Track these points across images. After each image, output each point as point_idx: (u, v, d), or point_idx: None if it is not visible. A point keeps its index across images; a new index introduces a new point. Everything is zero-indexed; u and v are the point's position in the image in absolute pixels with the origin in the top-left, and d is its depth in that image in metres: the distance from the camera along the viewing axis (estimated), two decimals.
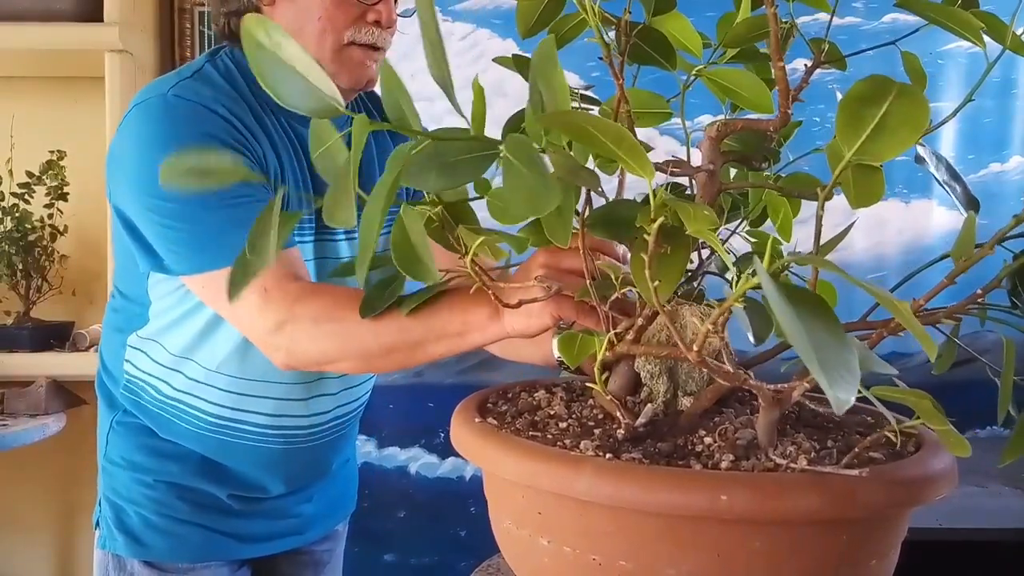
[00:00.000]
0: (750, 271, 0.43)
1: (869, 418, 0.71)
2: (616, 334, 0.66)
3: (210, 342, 1.06)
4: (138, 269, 1.06)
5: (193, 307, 1.05)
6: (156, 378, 1.10)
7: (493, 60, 0.81)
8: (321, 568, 1.30)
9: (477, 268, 0.70)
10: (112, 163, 1.03)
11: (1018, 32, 0.66)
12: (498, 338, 0.83)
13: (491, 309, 0.81)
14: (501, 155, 0.52)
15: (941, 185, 0.69)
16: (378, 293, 0.79)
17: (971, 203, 0.68)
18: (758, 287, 0.42)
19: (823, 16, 0.73)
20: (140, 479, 1.11)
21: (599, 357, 0.65)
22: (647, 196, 0.63)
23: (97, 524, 1.16)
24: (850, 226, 0.74)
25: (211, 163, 0.54)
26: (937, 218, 2.11)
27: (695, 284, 0.80)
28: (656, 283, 0.55)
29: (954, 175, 0.69)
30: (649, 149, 0.68)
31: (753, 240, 0.87)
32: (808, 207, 0.81)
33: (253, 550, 1.18)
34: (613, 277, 0.67)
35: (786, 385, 0.55)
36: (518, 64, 0.76)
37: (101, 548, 1.13)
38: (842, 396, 0.36)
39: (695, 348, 0.54)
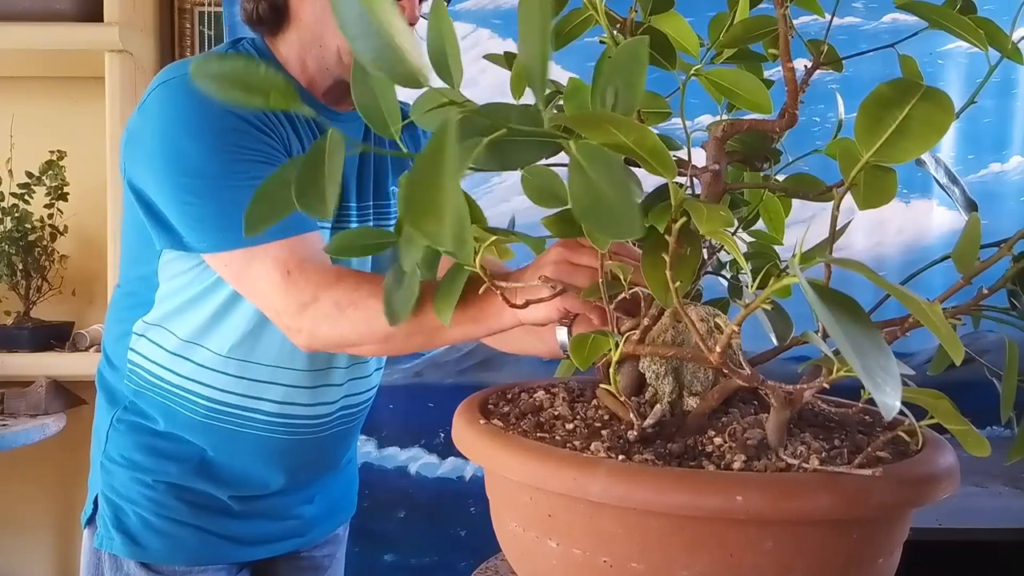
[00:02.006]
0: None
1: (867, 417, 0.71)
2: (625, 334, 0.67)
3: (221, 327, 1.06)
4: (148, 250, 1.05)
5: (204, 290, 1.04)
6: (162, 366, 1.09)
7: (484, 57, 0.80)
8: (321, 573, 1.29)
9: (484, 269, 0.70)
10: (132, 141, 1.02)
11: (1018, 32, 0.66)
12: (512, 325, 0.84)
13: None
14: (570, 154, 0.49)
15: (941, 187, 0.69)
16: (396, 286, 0.79)
17: (969, 205, 0.68)
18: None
19: (823, 16, 0.74)
20: (139, 479, 1.10)
21: (613, 358, 0.65)
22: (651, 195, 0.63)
23: (88, 522, 1.15)
24: (847, 224, 0.74)
25: (257, 75, 0.47)
26: (937, 218, 2.12)
27: (693, 284, 0.81)
28: (677, 284, 0.56)
29: (952, 178, 0.70)
30: (676, 147, 0.68)
31: (751, 240, 0.87)
32: (802, 208, 0.81)
33: (252, 553, 1.17)
34: (622, 277, 0.67)
35: (799, 386, 0.56)
36: (510, 62, 0.75)
37: (97, 547, 1.11)
38: (889, 401, 0.36)
39: (718, 349, 0.54)
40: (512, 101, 0.58)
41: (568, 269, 0.78)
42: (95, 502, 1.14)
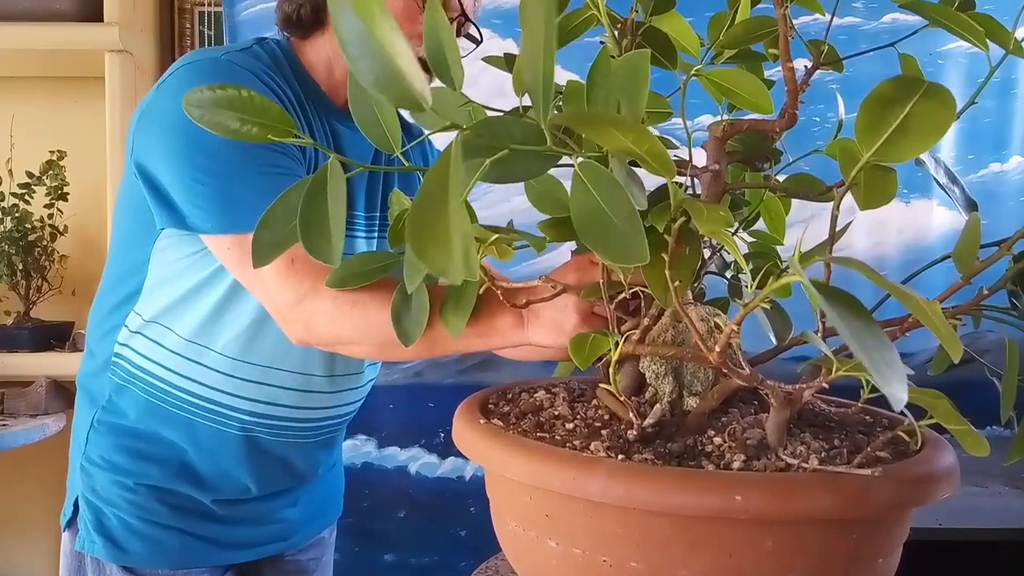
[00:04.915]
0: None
1: (867, 416, 0.71)
2: (625, 334, 0.67)
3: (218, 325, 1.05)
4: (144, 234, 1.03)
5: (200, 284, 1.03)
6: (152, 360, 1.08)
7: (483, 59, 0.80)
8: None
9: (484, 269, 0.70)
10: (145, 115, 1.00)
11: (1019, 33, 0.66)
12: (519, 344, 0.85)
13: (515, 318, 0.83)
14: (574, 170, 0.50)
15: (941, 187, 0.69)
16: (403, 305, 0.78)
17: (970, 205, 0.68)
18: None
19: (823, 16, 0.74)
20: (120, 481, 1.09)
21: (613, 358, 0.65)
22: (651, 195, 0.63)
23: (68, 525, 1.13)
24: (847, 224, 0.74)
25: (252, 105, 0.47)
26: (937, 218, 2.12)
27: (695, 284, 0.81)
28: (676, 283, 0.56)
29: (952, 177, 0.70)
30: (672, 147, 0.68)
31: (752, 240, 0.87)
32: (802, 208, 0.81)
33: (235, 556, 1.16)
34: (622, 277, 0.68)
35: (798, 386, 0.56)
36: (509, 64, 0.75)
37: (79, 550, 1.09)
38: (897, 394, 0.36)
39: (717, 349, 0.54)
40: (513, 99, 0.59)
41: (593, 270, 0.79)
42: (75, 504, 1.12)
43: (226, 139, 0.92)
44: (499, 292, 0.74)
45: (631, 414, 0.63)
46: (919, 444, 0.62)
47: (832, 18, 0.71)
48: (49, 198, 2.06)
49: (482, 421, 0.67)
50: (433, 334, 0.81)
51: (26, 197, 2.04)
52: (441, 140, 1.34)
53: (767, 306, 0.49)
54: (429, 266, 0.40)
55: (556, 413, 0.69)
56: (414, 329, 0.77)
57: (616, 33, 0.70)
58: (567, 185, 0.69)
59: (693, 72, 0.72)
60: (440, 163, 0.42)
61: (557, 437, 0.63)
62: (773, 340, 0.74)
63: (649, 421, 0.63)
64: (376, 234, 1.17)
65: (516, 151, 0.51)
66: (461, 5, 1.09)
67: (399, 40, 0.41)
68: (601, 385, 0.69)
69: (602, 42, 0.68)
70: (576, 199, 0.49)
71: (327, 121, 1.10)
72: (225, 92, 0.50)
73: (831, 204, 0.60)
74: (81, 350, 2.01)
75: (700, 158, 0.70)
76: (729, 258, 0.87)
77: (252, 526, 1.17)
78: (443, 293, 0.79)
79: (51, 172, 2.05)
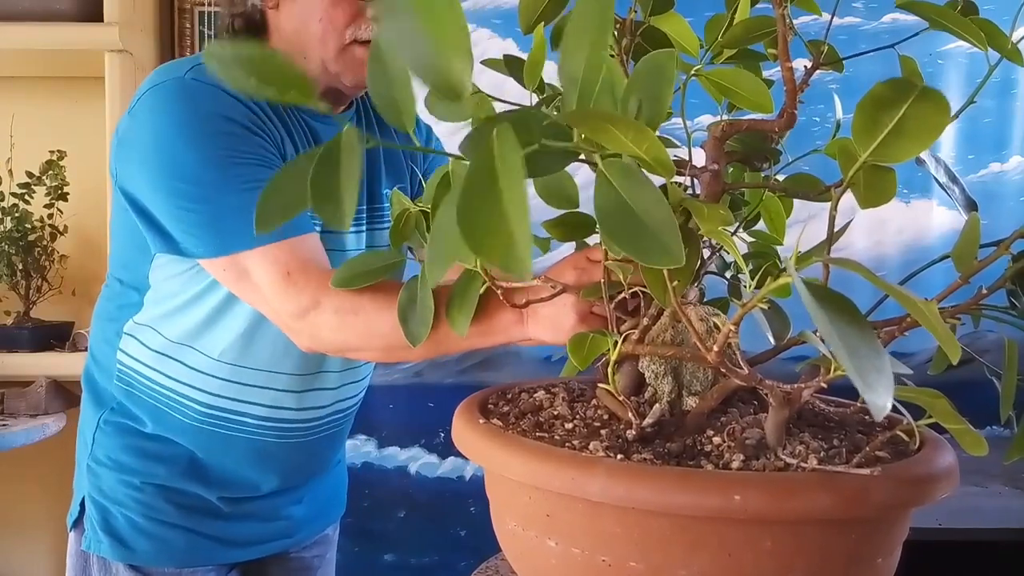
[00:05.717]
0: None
1: (867, 416, 0.71)
2: (624, 334, 0.67)
3: (213, 331, 1.05)
4: (140, 254, 1.04)
5: (198, 294, 1.04)
6: (151, 367, 1.09)
7: (481, 63, 0.80)
8: (312, 574, 1.29)
9: (485, 269, 0.70)
10: (123, 145, 1.01)
11: (1018, 33, 0.66)
12: (521, 339, 0.85)
13: (516, 315, 0.84)
14: (596, 169, 0.49)
15: (941, 187, 0.69)
16: (409, 307, 0.78)
17: (969, 205, 0.68)
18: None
19: (823, 16, 0.74)
20: (127, 480, 1.09)
21: (612, 358, 0.65)
22: None
23: (74, 525, 1.13)
24: (847, 224, 0.74)
25: (274, 65, 0.45)
26: (937, 218, 2.12)
27: (695, 284, 0.81)
28: (674, 283, 0.56)
29: (952, 177, 0.70)
30: (670, 145, 0.68)
31: (751, 240, 0.87)
32: (801, 208, 0.81)
33: (241, 554, 1.17)
34: (622, 277, 0.68)
35: (797, 386, 0.56)
36: (509, 66, 0.75)
37: (85, 549, 1.10)
38: (879, 402, 0.36)
39: (715, 349, 0.54)
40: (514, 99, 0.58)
41: (591, 267, 0.79)
42: (82, 504, 1.13)
43: (205, 162, 0.94)
44: (498, 292, 0.74)
45: (630, 414, 0.63)
46: (918, 444, 0.62)
47: (832, 18, 0.71)
48: (49, 198, 2.06)
49: (482, 421, 0.67)
50: (438, 335, 0.81)
51: (26, 197, 2.04)
52: (443, 135, 1.34)
53: (765, 306, 0.49)
54: (487, 258, 0.38)
55: (555, 413, 0.69)
56: (420, 330, 0.77)
57: (615, 33, 0.70)
58: (576, 179, 0.69)
59: (693, 72, 0.72)
60: (480, 154, 0.41)
61: (556, 437, 0.63)
62: (772, 340, 0.74)
63: (648, 421, 0.63)
64: (364, 227, 1.17)
65: (543, 148, 0.51)
66: None
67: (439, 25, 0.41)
68: (600, 385, 0.69)
69: None
70: (602, 198, 0.48)
71: (303, 120, 1.10)
72: (247, 51, 0.48)
73: (829, 202, 0.60)
74: (81, 350, 2.01)
75: (700, 158, 0.70)
76: (729, 258, 0.87)
77: (258, 523, 1.18)
78: (447, 294, 0.79)
79: (51, 172, 2.05)
